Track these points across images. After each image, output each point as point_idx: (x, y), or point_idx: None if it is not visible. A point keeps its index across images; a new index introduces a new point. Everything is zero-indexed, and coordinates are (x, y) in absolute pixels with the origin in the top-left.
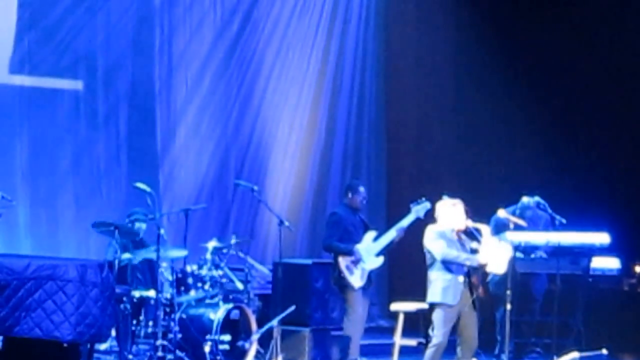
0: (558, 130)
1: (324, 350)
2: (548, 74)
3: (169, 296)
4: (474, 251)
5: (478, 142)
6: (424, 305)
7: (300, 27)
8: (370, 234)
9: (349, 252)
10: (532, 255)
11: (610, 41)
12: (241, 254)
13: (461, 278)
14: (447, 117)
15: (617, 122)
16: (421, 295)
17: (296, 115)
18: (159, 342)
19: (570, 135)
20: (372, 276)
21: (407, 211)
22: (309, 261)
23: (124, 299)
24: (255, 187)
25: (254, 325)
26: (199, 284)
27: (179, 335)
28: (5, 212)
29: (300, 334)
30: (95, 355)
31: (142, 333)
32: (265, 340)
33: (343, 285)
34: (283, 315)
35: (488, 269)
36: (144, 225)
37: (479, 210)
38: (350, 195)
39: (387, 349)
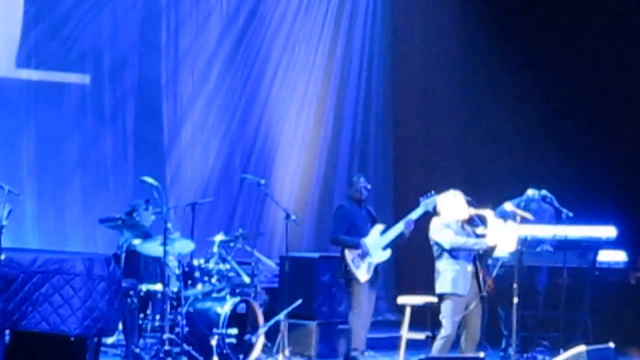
0: (565, 122)
1: (331, 344)
2: (555, 66)
3: (176, 290)
4: (481, 236)
5: (485, 135)
6: (431, 299)
7: (306, 21)
8: (378, 227)
9: (356, 245)
10: (538, 249)
11: (619, 32)
12: (248, 248)
13: (469, 267)
14: (454, 110)
15: (624, 115)
16: (428, 289)
17: (303, 110)
18: (166, 335)
19: (577, 128)
20: (379, 269)
21: (416, 205)
22: (315, 255)
23: (131, 292)
24: (262, 181)
25: (260, 319)
26: (206, 278)
27: (186, 329)
28: (13, 206)
29: (307, 327)
30: (103, 349)
31: (149, 327)
32: (272, 334)
33: (349, 279)
34: (290, 309)
35: (498, 250)
36: (152, 217)
37: (486, 202)
38: (350, 188)
39: (394, 342)
